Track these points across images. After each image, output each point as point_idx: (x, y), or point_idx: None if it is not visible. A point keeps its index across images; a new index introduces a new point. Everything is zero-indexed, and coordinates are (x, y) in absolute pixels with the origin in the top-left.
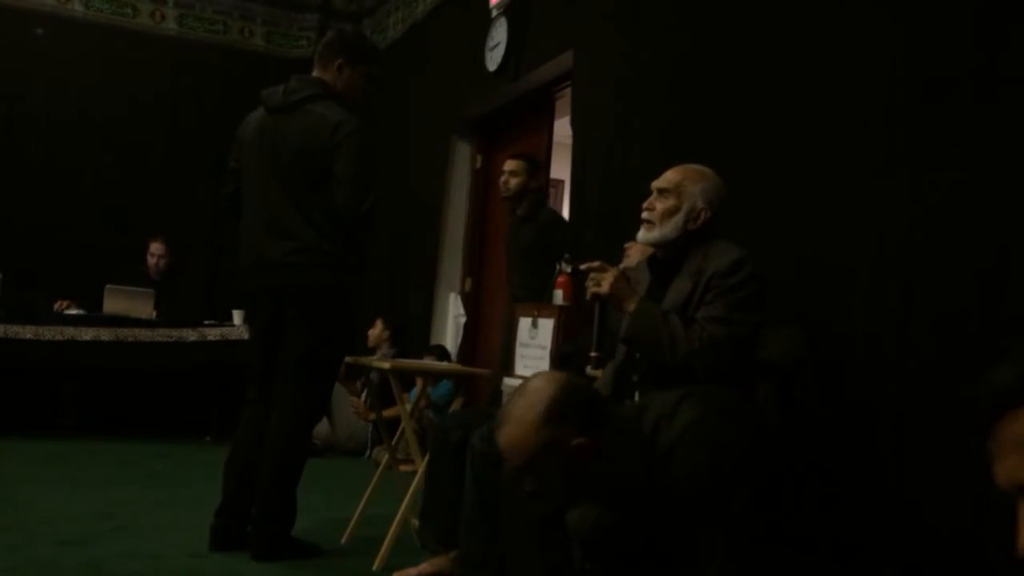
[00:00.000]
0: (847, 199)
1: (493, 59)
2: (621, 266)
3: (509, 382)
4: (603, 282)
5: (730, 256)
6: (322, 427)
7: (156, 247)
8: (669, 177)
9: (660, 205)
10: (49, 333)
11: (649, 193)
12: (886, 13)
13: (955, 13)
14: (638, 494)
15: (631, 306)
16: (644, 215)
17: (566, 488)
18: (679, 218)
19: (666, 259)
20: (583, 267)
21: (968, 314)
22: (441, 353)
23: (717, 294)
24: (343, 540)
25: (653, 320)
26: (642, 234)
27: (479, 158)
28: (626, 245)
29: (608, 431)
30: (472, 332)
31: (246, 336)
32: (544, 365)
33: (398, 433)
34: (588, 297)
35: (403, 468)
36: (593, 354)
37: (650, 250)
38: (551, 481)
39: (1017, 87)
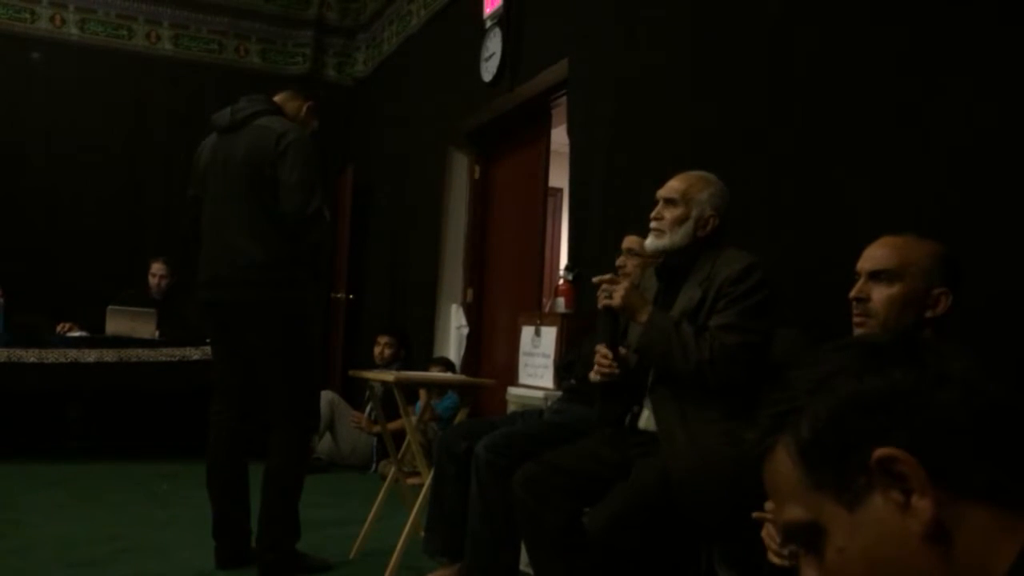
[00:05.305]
0: (848, 199)
1: (488, 70)
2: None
3: (514, 391)
4: (615, 294)
5: (740, 263)
6: (325, 442)
7: (157, 267)
8: (674, 186)
9: (668, 214)
10: (52, 356)
11: (650, 198)
12: (889, 11)
13: (958, 12)
14: None
15: (643, 317)
16: (652, 224)
17: None
18: (688, 226)
19: (675, 266)
20: (595, 280)
21: (968, 314)
22: (446, 365)
23: (728, 301)
24: (351, 555)
25: (666, 330)
26: (651, 242)
27: (477, 169)
28: (618, 263)
29: None
30: (475, 343)
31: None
32: (547, 374)
33: (403, 446)
34: (600, 308)
35: (410, 481)
36: (613, 370)
37: (644, 262)
38: None
39: (1019, 87)
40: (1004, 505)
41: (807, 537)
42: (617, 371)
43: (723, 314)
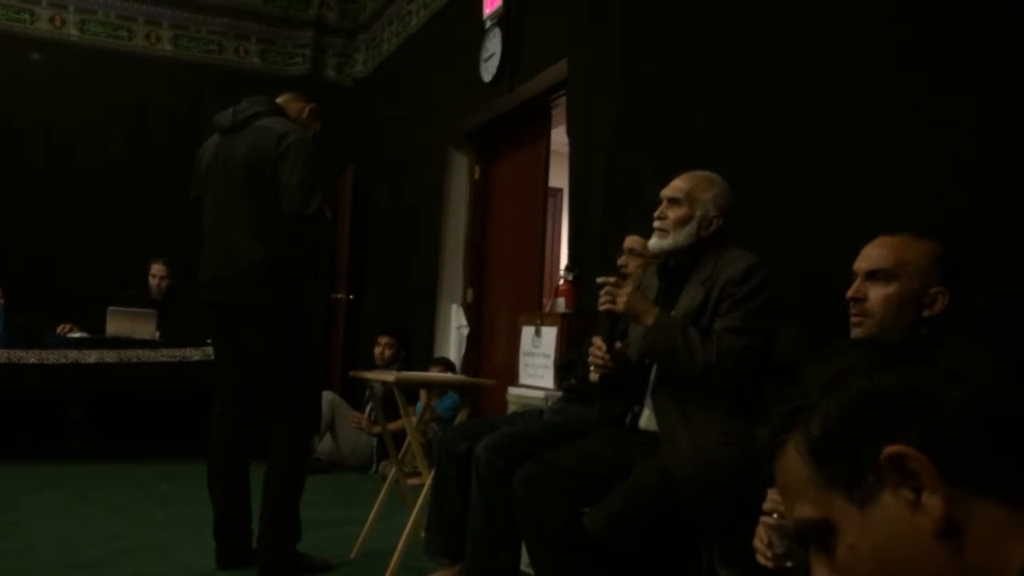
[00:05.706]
0: (847, 199)
1: (488, 70)
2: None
3: (514, 391)
4: (618, 299)
5: (743, 263)
6: (326, 442)
7: (157, 268)
8: (679, 185)
9: (672, 214)
10: (53, 357)
11: (650, 198)
12: (889, 11)
13: (958, 12)
14: None
15: (649, 320)
16: (656, 224)
17: None
18: (692, 226)
19: (677, 266)
20: (599, 280)
21: (968, 314)
22: (446, 365)
23: (732, 303)
24: (352, 555)
25: (672, 332)
26: (654, 242)
27: (477, 169)
28: (619, 263)
29: None
30: (475, 343)
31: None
32: (548, 374)
33: (404, 447)
34: (601, 310)
35: (411, 481)
36: (606, 362)
37: (645, 261)
38: None
39: (1019, 87)
40: (1016, 503)
41: (818, 535)
42: (610, 364)
43: (728, 316)
